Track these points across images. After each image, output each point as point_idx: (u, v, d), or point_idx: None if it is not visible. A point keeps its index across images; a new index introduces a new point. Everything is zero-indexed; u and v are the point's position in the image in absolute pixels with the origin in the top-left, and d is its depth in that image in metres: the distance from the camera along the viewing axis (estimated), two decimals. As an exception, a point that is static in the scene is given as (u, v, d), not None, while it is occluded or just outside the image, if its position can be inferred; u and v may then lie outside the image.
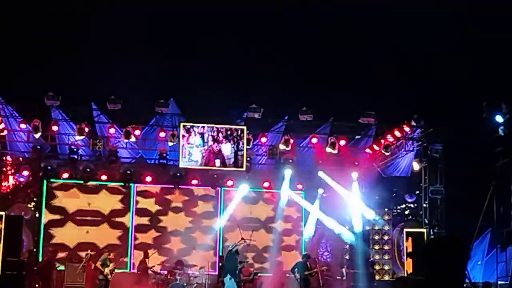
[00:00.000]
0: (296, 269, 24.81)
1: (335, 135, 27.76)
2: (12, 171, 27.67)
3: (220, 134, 26.81)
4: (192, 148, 26.60)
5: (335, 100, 27.51)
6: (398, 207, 30.36)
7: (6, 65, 26.41)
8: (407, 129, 27.69)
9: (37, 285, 24.64)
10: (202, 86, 27.29)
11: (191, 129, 26.55)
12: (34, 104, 25.98)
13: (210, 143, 26.65)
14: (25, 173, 27.68)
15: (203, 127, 26.69)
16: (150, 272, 25.93)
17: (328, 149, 27.70)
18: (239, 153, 26.84)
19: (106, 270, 24.71)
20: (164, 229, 29.05)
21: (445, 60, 28.21)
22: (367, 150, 29.12)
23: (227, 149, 26.80)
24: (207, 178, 28.69)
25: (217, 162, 26.85)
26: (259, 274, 26.29)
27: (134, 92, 26.52)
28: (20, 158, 27.92)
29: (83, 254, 26.94)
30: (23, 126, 26.51)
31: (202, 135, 26.64)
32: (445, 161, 27.69)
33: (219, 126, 26.83)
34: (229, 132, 26.90)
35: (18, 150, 27.91)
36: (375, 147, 28.60)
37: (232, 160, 26.90)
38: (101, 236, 28.51)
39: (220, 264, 24.23)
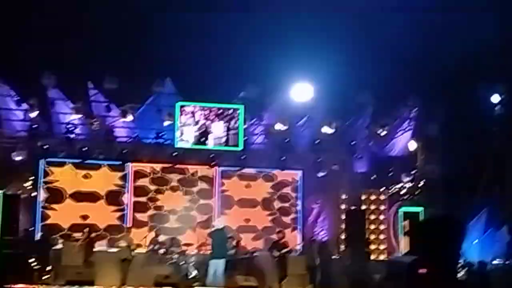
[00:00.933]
0: None
1: (332, 115, 27.80)
2: (9, 150, 27.64)
3: (211, 113, 26.86)
4: (184, 127, 26.66)
5: (332, 80, 27.41)
6: (394, 187, 30.45)
7: (1, 43, 26.31)
8: (403, 108, 27.72)
9: (33, 264, 24.68)
10: (198, 65, 27.15)
11: (182, 109, 26.59)
12: (30, 83, 25.92)
13: (202, 122, 26.70)
14: (22, 152, 27.66)
15: (194, 106, 26.72)
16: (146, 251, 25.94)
17: (325, 129, 27.73)
18: (230, 132, 26.89)
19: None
20: (161, 208, 29.11)
21: (441, 38, 28.16)
22: (364, 130, 29.15)
23: (218, 128, 26.85)
24: (204, 157, 28.71)
25: (209, 141, 26.93)
26: (256, 253, 26.37)
27: (130, 71, 26.41)
28: (17, 137, 27.89)
29: (79, 233, 27.03)
30: (19, 105, 26.50)
31: (193, 114, 26.68)
32: (441, 140, 27.76)
33: (211, 105, 26.86)
34: (220, 111, 26.94)
35: (15, 129, 27.90)
36: (371, 126, 28.63)
37: (224, 139, 26.97)
38: (98, 215, 28.54)
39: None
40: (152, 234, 27.45)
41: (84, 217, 28.35)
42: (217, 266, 22.61)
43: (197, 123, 26.70)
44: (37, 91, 26.18)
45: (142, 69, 26.32)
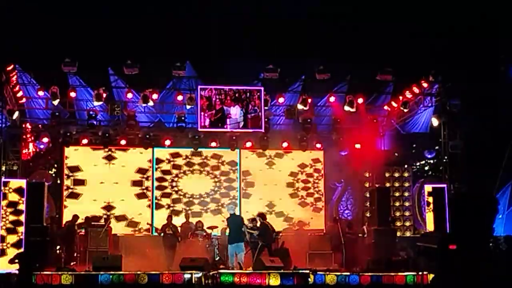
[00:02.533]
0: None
1: (353, 93, 27.68)
2: (32, 138, 27.78)
3: (228, 97, 26.80)
4: (204, 111, 26.69)
5: (352, 58, 27.30)
6: (418, 163, 30.34)
7: (22, 32, 26.40)
8: (425, 84, 27.53)
9: (60, 251, 24.82)
10: (218, 48, 27.16)
11: (201, 92, 26.56)
12: (51, 71, 25.98)
13: (220, 105, 26.67)
14: (45, 140, 27.79)
15: (210, 90, 26.66)
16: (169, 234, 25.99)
17: (346, 108, 27.63)
18: (248, 115, 26.84)
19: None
20: (184, 192, 29.19)
21: (460, 12, 27.96)
22: (386, 107, 29.02)
23: (235, 112, 26.80)
24: (226, 140, 28.71)
25: (228, 125, 26.90)
26: (281, 234, 26.38)
27: (150, 56, 26.42)
28: (40, 125, 28.01)
29: (105, 218, 27.21)
30: (41, 93, 26.59)
31: (209, 98, 26.63)
32: (464, 115, 27.57)
33: (227, 88, 26.79)
34: (237, 95, 26.88)
35: (37, 117, 28.02)
36: (393, 104, 28.49)
37: (242, 123, 26.94)
38: (122, 200, 28.67)
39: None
40: (179, 217, 27.58)
41: (109, 202, 28.49)
42: (236, 249, 22.85)
43: (215, 106, 26.63)
44: (58, 79, 26.21)
45: (161, 53, 26.29)
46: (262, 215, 25.15)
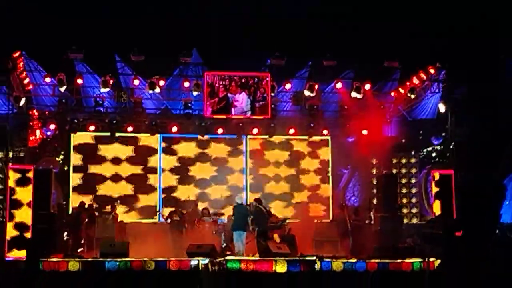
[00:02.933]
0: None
1: (360, 79, 27.63)
2: (39, 125, 27.80)
3: (233, 83, 26.77)
4: (210, 97, 26.73)
5: (358, 44, 27.22)
6: (425, 150, 30.26)
7: (28, 19, 26.39)
8: (432, 71, 27.46)
9: (67, 238, 24.88)
10: (224, 34, 27.10)
11: (206, 79, 26.55)
12: (58, 58, 25.97)
13: (225, 91, 26.66)
14: (52, 126, 27.83)
15: (213, 76, 26.65)
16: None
17: (353, 94, 27.58)
18: (257, 104, 26.83)
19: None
20: (191, 179, 29.22)
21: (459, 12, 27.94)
22: (393, 94, 28.95)
23: (241, 99, 26.78)
24: (233, 127, 28.71)
25: (234, 110, 26.91)
26: (287, 221, 26.39)
27: (157, 42, 26.39)
28: (46, 112, 28.02)
29: (112, 205, 27.26)
30: (48, 80, 26.60)
31: (211, 85, 26.61)
32: (471, 102, 27.50)
33: (233, 73, 26.78)
34: (243, 80, 26.86)
35: (44, 104, 28.03)
36: (400, 90, 28.42)
37: (249, 112, 26.95)
38: (129, 187, 28.74)
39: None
40: (185, 203, 27.65)
41: (115, 189, 28.56)
42: (239, 236, 23.14)
43: (217, 93, 26.64)
44: (65, 66, 26.22)
45: (168, 40, 26.25)
46: (257, 200, 25.25)
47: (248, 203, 25.27)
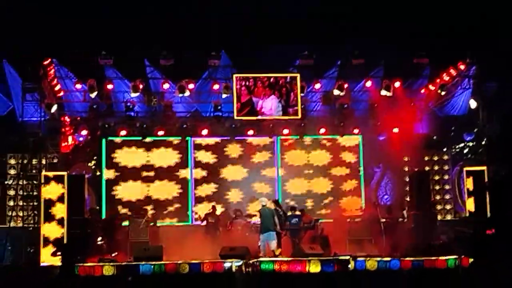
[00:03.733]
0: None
1: (389, 77, 27.52)
2: (71, 131, 28.03)
3: (259, 84, 26.78)
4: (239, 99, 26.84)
5: (387, 42, 27.08)
6: (457, 146, 30.07)
7: (58, 25, 26.59)
8: (462, 66, 27.31)
9: (101, 242, 25.02)
10: (253, 36, 27.11)
11: (236, 81, 26.61)
12: (88, 64, 26.15)
13: (254, 93, 26.71)
14: (84, 132, 28.03)
15: (239, 78, 26.67)
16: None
17: (383, 92, 27.49)
18: (290, 109, 26.87)
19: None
20: (223, 181, 29.27)
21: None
22: (423, 91, 28.80)
23: (269, 104, 26.81)
24: (263, 128, 28.74)
25: (265, 112, 26.95)
26: (320, 221, 26.36)
27: (185, 46, 26.47)
28: (78, 118, 28.24)
29: (145, 209, 27.38)
30: (78, 86, 26.84)
31: (244, 86, 26.66)
32: (501, 96, 27.29)
33: (262, 75, 26.79)
34: (272, 80, 26.86)
35: (75, 110, 28.26)
36: (430, 87, 28.26)
37: (280, 113, 26.99)
38: (161, 191, 28.86)
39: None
40: (217, 206, 27.69)
41: (147, 193, 28.70)
42: (267, 238, 22.86)
43: (239, 98, 26.71)
44: (95, 72, 26.41)
45: (196, 43, 26.31)
46: (275, 201, 25.23)
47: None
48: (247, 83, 26.83)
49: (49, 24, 26.49)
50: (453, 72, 27.42)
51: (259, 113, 27.01)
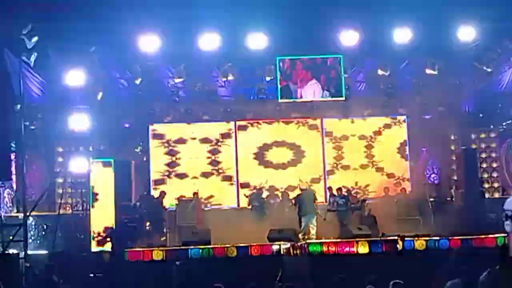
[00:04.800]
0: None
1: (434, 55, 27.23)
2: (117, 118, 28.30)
3: (300, 66, 26.67)
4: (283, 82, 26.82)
5: (427, 17, 26.61)
6: (504, 123, 29.73)
7: (99, 12, 26.64)
8: (508, 43, 26.95)
9: (149, 227, 25.23)
10: (293, 17, 26.89)
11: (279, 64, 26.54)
12: (131, 50, 26.23)
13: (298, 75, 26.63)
14: (130, 119, 28.27)
15: (282, 60, 26.56)
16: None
17: (428, 71, 27.23)
18: (330, 83, 26.73)
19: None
20: (269, 163, 29.27)
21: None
22: (468, 68, 28.45)
23: (311, 91, 26.71)
24: (308, 110, 28.69)
25: (308, 94, 26.86)
26: (367, 201, 26.30)
27: (227, 28, 26.30)
28: (123, 105, 28.45)
29: (191, 194, 27.52)
30: (122, 73, 27.00)
31: (288, 69, 26.59)
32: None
33: (305, 57, 26.65)
34: (315, 63, 26.71)
35: (121, 96, 28.46)
36: (476, 64, 27.90)
37: (323, 91, 26.89)
38: (207, 174, 29.01)
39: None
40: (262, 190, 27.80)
41: (195, 176, 28.85)
42: (308, 220, 23.17)
43: (285, 80, 26.66)
44: (138, 58, 26.50)
45: (237, 25, 26.10)
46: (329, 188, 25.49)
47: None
48: (284, 66, 26.69)
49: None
50: (498, 49, 27.05)
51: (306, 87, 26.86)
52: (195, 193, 27.21)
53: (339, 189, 25.97)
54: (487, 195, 27.97)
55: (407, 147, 29.62)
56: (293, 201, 24.52)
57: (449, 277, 13.31)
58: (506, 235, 19.82)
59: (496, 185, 29.21)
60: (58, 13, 23.69)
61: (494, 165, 29.35)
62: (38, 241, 25.53)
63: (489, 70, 27.50)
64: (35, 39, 24.01)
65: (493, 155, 29.42)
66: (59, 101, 27.20)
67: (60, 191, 27.22)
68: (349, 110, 28.64)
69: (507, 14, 25.01)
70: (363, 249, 20.73)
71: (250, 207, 26.28)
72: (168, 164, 28.95)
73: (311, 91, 26.87)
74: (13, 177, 26.20)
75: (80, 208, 25.30)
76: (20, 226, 21.43)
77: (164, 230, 25.43)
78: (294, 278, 18.57)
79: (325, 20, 25.98)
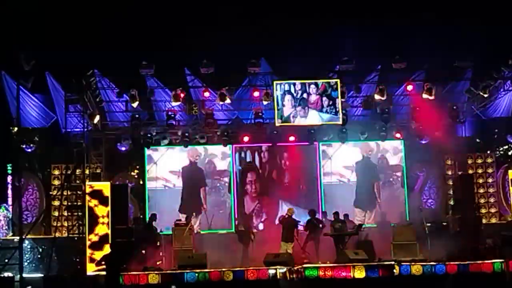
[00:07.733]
0: None
1: (431, 81, 27.29)
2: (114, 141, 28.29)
3: (306, 89, 26.63)
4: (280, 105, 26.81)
5: (427, 45, 26.88)
6: (501, 149, 29.79)
7: (99, 36, 26.85)
8: (504, 68, 27.03)
9: (145, 251, 25.14)
10: (291, 42, 27.06)
11: (277, 88, 26.51)
12: (129, 74, 26.32)
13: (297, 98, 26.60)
14: (126, 142, 28.25)
15: (280, 84, 26.52)
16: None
17: (425, 95, 27.27)
18: (328, 107, 26.68)
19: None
20: (267, 186, 29.23)
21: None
22: (465, 93, 28.52)
23: (312, 118, 26.72)
24: (304, 134, 28.69)
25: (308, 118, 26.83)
26: (364, 226, 26.25)
27: (225, 54, 26.52)
28: (120, 128, 28.48)
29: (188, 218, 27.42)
30: (120, 96, 27.02)
31: (287, 92, 26.59)
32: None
33: (302, 81, 26.62)
34: (315, 86, 26.71)
35: (118, 120, 28.51)
36: (473, 89, 27.97)
37: (320, 115, 26.89)
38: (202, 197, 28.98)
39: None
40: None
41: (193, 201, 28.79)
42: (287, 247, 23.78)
43: (292, 100, 26.63)
44: (136, 82, 26.59)
45: (235, 51, 26.35)
46: (310, 212, 25.83)
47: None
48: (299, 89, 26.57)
49: (90, 37, 26.76)
50: (495, 74, 27.12)
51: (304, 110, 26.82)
52: (190, 217, 27.10)
53: (336, 213, 25.93)
54: (484, 221, 27.94)
55: (403, 172, 29.57)
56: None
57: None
58: (503, 260, 19.92)
59: (493, 210, 29.23)
60: (56, 37, 23.88)
61: (491, 190, 29.38)
62: (34, 264, 25.49)
63: (485, 95, 27.55)
64: (32, 62, 24.03)
65: (490, 180, 29.45)
66: (56, 124, 27.27)
67: (56, 214, 27.19)
68: (346, 134, 28.60)
69: (503, 40, 25.18)
70: (359, 273, 20.68)
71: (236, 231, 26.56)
72: (163, 188, 28.88)
73: (309, 115, 26.83)
74: (9, 199, 26.22)
75: (76, 232, 25.19)
76: (15, 249, 21.34)
77: (160, 254, 25.31)
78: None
79: (323, 45, 26.16)
